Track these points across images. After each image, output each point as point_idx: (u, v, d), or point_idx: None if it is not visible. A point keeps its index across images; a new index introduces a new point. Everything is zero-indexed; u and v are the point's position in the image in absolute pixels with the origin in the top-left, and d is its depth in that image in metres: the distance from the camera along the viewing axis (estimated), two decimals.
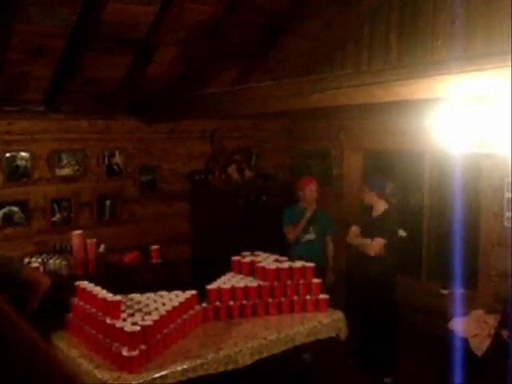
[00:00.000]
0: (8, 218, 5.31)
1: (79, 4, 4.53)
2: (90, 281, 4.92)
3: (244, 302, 4.34)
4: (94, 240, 5.41)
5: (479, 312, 5.26)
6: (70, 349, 3.73)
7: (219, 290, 4.37)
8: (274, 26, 5.74)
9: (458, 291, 5.50)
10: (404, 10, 5.76)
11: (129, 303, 4.04)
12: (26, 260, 5.18)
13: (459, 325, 5.10)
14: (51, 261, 5.19)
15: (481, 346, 4.90)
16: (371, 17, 6.05)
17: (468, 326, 5.07)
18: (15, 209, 5.35)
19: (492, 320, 5.06)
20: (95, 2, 4.53)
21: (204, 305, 4.28)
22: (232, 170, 6.75)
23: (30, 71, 4.97)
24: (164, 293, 4.22)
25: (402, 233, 6.09)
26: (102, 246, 5.60)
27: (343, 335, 4.40)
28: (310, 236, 5.67)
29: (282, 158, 7.37)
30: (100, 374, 3.30)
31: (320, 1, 5.68)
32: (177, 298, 4.10)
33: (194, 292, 4.23)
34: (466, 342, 4.93)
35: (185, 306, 4.05)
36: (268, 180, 7.02)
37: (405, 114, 5.70)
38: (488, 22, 5.02)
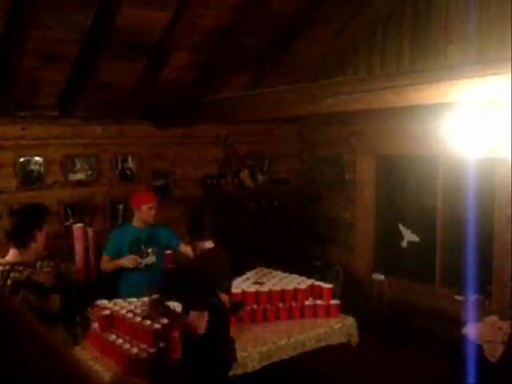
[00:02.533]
0: None
1: (93, 10, 4.57)
2: (102, 285, 4.93)
3: (255, 306, 4.33)
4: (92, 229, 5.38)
5: (493, 318, 5.20)
6: (81, 351, 3.74)
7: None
8: (287, 31, 5.74)
9: (472, 297, 5.44)
10: (417, 14, 5.74)
11: (142, 306, 4.06)
12: (38, 264, 5.20)
13: (473, 331, 5.04)
14: (63, 265, 5.21)
15: (495, 353, 4.84)
16: (384, 21, 6.02)
17: (482, 332, 5.02)
18: None
19: (506, 326, 5.00)
20: (109, 8, 4.57)
21: None
22: (244, 174, 6.75)
23: (44, 76, 5.01)
24: None
25: (414, 238, 6.06)
26: None
27: (354, 341, 4.38)
28: (150, 259, 4.85)
29: (294, 163, 7.35)
30: (109, 376, 3.31)
31: (332, 5, 5.67)
32: None
33: None
34: (479, 347, 4.87)
35: None
36: (280, 185, 7.02)
37: (418, 119, 5.66)
38: (501, 26, 4.98)
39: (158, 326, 3.61)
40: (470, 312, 5.29)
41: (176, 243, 4.92)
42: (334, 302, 4.48)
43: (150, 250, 4.85)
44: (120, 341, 3.64)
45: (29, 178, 5.37)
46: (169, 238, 4.95)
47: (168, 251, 5.64)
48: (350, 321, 4.41)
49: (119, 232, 4.97)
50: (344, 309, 4.57)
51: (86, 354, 3.70)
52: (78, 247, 5.13)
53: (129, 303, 4.14)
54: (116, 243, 4.82)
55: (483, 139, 4.85)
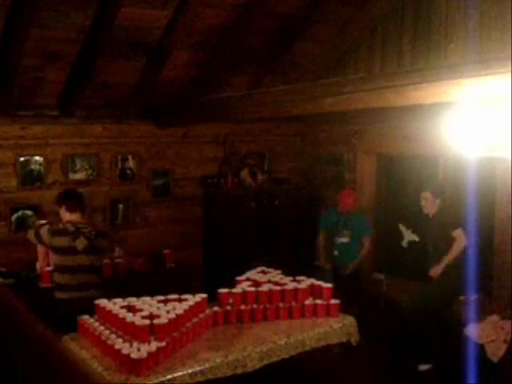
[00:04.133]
0: (21, 221, 5.35)
1: (93, 9, 4.57)
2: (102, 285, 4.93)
3: (255, 306, 4.33)
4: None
5: (495, 318, 5.19)
6: (80, 350, 3.74)
7: (230, 294, 4.37)
8: (287, 30, 5.75)
9: (473, 297, 5.43)
10: (417, 13, 5.73)
11: (140, 306, 4.05)
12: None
13: (475, 331, 5.04)
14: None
15: (497, 352, 4.83)
16: (384, 20, 6.02)
17: (484, 332, 5.01)
18: (29, 212, 5.39)
19: (508, 326, 4.99)
20: (109, 7, 4.56)
21: (215, 308, 4.28)
22: (245, 173, 6.75)
23: (44, 76, 5.01)
24: (175, 296, 4.22)
25: (414, 238, 6.05)
26: (117, 250, 5.62)
27: (355, 340, 4.37)
28: (344, 239, 5.91)
29: (294, 162, 7.36)
30: (109, 376, 3.31)
31: (333, 5, 5.67)
32: (187, 301, 4.10)
33: (204, 295, 4.23)
34: (481, 347, 4.86)
35: (195, 309, 4.05)
36: (281, 184, 7.02)
37: (418, 118, 5.66)
38: (502, 26, 4.98)
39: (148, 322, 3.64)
40: (471, 312, 5.29)
41: (365, 232, 5.98)
42: (333, 301, 4.47)
43: (345, 232, 5.90)
44: (119, 340, 3.64)
45: (29, 178, 5.38)
46: (361, 226, 5.97)
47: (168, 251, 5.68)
48: (350, 320, 4.40)
49: (326, 214, 6.25)
50: (344, 308, 4.56)
51: (86, 354, 3.70)
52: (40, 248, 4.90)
53: (129, 302, 4.13)
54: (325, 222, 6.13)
55: (483, 138, 4.84)
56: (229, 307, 4.30)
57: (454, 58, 5.32)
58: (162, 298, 4.21)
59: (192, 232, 6.51)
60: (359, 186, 6.72)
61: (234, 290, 4.39)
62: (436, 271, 5.12)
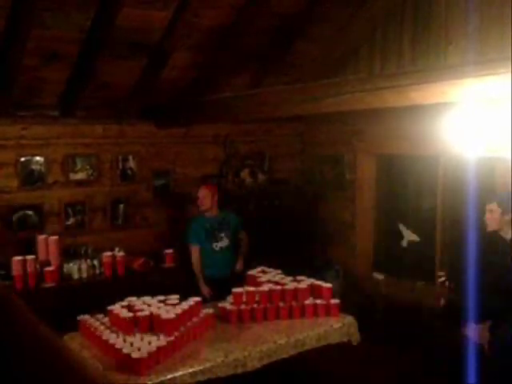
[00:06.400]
0: (23, 221, 5.35)
1: (93, 9, 4.58)
2: (103, 285, 4.96)
3: (255, 305, 4.34)
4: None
5: None
6: (81, 350, 3.75)
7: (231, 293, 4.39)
8: (287, 31, 5.75)
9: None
10: (417, 14, 5.74)
11: (140, 306, 4.06)
12: None
13: (474, 330, 5.04)
14: (65, 264, 5.22)
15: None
16: (384, 20, 6.03)
17: (483, 332, 5.01)
18: (30, 213, 5.39)
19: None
20: (109, 8, 4.57)
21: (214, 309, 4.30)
22: (245, 174, 6.76)
23: (44, 76, 5.02)
24: (175, 296, 4.23)
25: (414, 237, 6.06)
26: (117, 250, 5.62)
27: (355, 340, 4.38)
28: (223, 243, 5.42)
29: (294, 163, 7.36)
30: (109, 375, 3.32)
31: (333, 5, 5.68)
32: (187, 301, 4.11)
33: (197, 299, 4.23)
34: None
35: (195, 309, 4.06)
36: (281, 184, 7.02)
37: (418, 119, 5.66)
38: (501, 26, 4.98)
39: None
40: (470, 312, 5.29)
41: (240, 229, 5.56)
42: (333, 301, 4.48)
43: (222, 235, 5.39)
44: (120, 339, 3.65)
45: (30, 178, 5.38)
46: (236, 224, 5.54)
47: (169, 251, 5.68)
48: (351, 320, 4.41)
49: (195, 223, 5.48)
50: (344, 308, 4.57)
51: (87, 353, 3.71)
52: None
53: (129, 302, 4.15)
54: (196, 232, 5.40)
55: (483, 139, 4.85)
56: (229, 307, 4.32)
57: (454, 58, 5.33)
58: (161, 298, 4.23)
59: None
60: (359, 186, 6.73)
61: (234, 290, 4.40)
62: None
